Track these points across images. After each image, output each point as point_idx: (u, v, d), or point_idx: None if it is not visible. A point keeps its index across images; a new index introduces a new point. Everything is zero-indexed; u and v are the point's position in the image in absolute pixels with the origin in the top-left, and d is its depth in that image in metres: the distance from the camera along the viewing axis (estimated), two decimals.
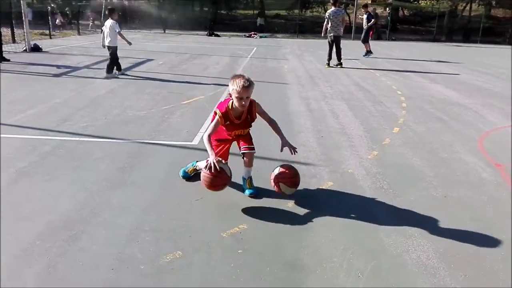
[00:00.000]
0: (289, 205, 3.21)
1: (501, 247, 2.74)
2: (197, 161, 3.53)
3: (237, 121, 3.19)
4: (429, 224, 3.00)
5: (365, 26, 14.21)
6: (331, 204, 3.29)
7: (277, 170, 3.17)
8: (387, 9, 31.46)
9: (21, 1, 13.32)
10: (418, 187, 3.64)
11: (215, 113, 3.19)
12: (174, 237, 2.72)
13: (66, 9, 25.77)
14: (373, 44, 16.13)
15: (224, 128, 3.24)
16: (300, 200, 3.27)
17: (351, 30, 24.94)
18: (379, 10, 30.48)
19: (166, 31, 26.89)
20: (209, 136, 3.10)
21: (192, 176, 3.55)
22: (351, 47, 16.38)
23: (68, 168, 3.81)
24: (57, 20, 23.53)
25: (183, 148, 4.46)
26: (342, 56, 11.31)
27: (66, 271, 2.33)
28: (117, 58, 8.84)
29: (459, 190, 3.60)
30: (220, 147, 3.27)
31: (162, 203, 3.20)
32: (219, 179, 3.00)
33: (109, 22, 8.67)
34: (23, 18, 13.12)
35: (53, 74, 8.93)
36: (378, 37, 25.44)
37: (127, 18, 29.47)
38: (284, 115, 5.95)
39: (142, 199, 3.23)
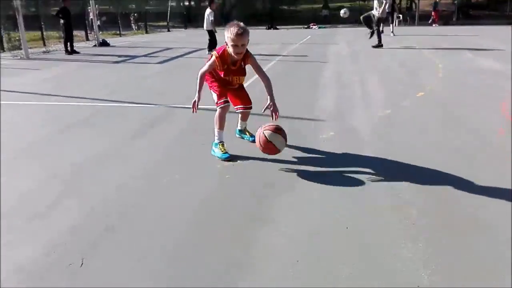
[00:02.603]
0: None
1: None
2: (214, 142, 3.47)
3: (233, 67, 3.27)
4: (404, 171, 3.15)
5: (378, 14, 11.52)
6: (323, 147, 3.55)
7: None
8: None
9: (91, 4, 14.81)
10: (413, 135, 3.75)
11: (212, 55, 3.25)
12: (177, 165, 3.18)
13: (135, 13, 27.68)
14: (440, 29, 15.50)
15: (222, 73, 3.27)
16: (295, 146, 3.57)
17: (415, 17, 24.06)
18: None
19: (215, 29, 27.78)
20: (202, 74, 3.20)
21: (232, 155, 3.34)
22: (411, 32, 15.91)
23: (104, 123, 4.46)
24: (132, 20, 25.56)
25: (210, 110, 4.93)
26: (382, 38, 11.48)
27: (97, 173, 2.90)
28: (215, 40, 10.17)
29: (455, 138, 3.66)
30: (222, 88, 3.33)
31: (173, 146, 3.69)
32: (269, 149, 3.06)
33: (208, 11, 10.34)
34: (94, 19, 14.68)
35: (113, 61, 9.96)
36: (446, 23, 24.30)
37: (191, 19, 31.02)
38: (311, 85, 6.20)
39: (156, 145, 3.74)
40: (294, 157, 3.31)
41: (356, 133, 3.90)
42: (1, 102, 5.50)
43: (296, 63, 9.07)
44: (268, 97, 3.16)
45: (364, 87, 5.96)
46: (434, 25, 23.93)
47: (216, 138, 3.37)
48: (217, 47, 3.55)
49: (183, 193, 2.73)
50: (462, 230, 2.22)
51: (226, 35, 3.09)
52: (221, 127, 3.33)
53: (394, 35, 15.18)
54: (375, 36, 11.29)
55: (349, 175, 2.98)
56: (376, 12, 10.94)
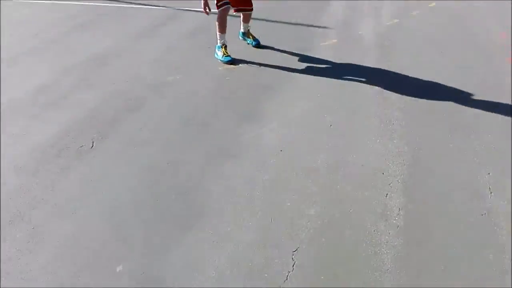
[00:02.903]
0: (280, 55, 3.65)
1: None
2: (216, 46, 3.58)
3: None
4: (397, 80, 3.28)
5: None
6: (323, 54, 3.66)
7: None
8: None
9: None
10: (418, 46, 3.81)
11: None
12: (181, 67, 3.37)
13: None
14: None
15: None
16: (295, 53, 3.69)
17: None
18: None
19: None
20: None
21: (233, 59, 3.47)
22: None
23: (114, 23, 4.58)
24: None
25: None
26: None
27: (96, 81, 3.15)
28: None
29: (459, 51, 3.71)
30: None
31: (180, 45, 3.84)
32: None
33: None
34: None
35: None
36: None
37: None
38: None
39: (163, 44, 3.89)
40: (292, 62, 3.45)
41: (359, 41, 3.96)
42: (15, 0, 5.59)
43: None
44: None
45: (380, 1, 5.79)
46: None
47: (218, 41, 3.47)
48: None
49: (183, 91, 2.97)
50: (440, 135, 2.44)
51: None
52: (223, 30, 3.41)
53: None
54: None
55: (340, 79, 3.14)
56: None
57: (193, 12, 4.98)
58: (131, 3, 5.50)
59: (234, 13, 3.58)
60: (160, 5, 5.38)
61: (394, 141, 2.33)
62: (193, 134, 2.42)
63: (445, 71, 3.25)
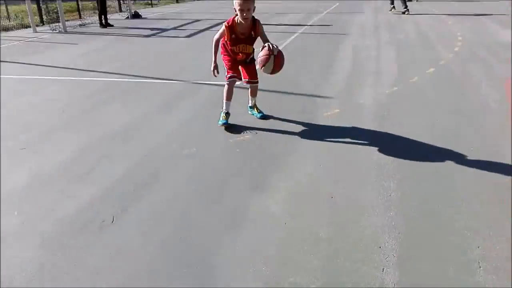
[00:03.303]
0: (286, 126, 3.94)
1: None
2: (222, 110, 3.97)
3: (242, 36, 3.65)
4: (396, 147, 3.50)
5: None
6: (327, 124, 3.94)
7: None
8: None
9: None
10: (416, 114, 4.06)
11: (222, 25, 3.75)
12: (196, 140, 3.67)
13: None
14: None
15: (230, 44, 3.69)
16: (299, 123, 3.98)
17: None
18: None
19: None
20: (216, 41, 3.74)
21: (230, 124, 3.90)
22: None
23: (134, 98, 4.99)
24: None
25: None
26: (407, 4, 12.15)
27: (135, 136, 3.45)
28: None
29: (454, 118, 3.95)
30: (231, 63, 3.80)
31: (195, 119, 4.17)
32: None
33: None
34: None
35: (144, 35, 10.45)
36: None
37: None
38: (327, 61, 6.48)
39: (180, 118, 4.24)
40: (297, 133, 3.73)
41: (360, 111, 4.24)
42: (43, 77, 6.15)
43: (317, 36, 9.25)
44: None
45: (378, 63, 6.19)
46: None
47: (223, 107, 3.93)
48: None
49: (197, 165, 3.23)
50: (435, 209, 2.61)
51: (234, 1, 3.50)
52: (228, 98, 3.86)
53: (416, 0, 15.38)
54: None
55: (341, 150, 3.38)
56: None
57: (209, 86, 5.39)
58: (150, 78, 5.98)
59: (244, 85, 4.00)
60: (178, 79, 5.84)
61: (391, 213, 2.50)
62: (206, 207, 2.63)
63: (443, 140, 3.46)
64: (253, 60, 3.89)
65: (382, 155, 3.24)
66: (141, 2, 22.14)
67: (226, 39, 3.75)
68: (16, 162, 3.38)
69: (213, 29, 11.12)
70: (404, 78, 5.31)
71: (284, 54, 3.55)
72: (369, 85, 5.08)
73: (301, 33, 9.66)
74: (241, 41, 3.72)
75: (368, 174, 2.96)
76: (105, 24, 12.40)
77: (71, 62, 7.27)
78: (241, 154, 3.37)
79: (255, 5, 3.55)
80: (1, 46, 9.52)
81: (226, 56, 3.87)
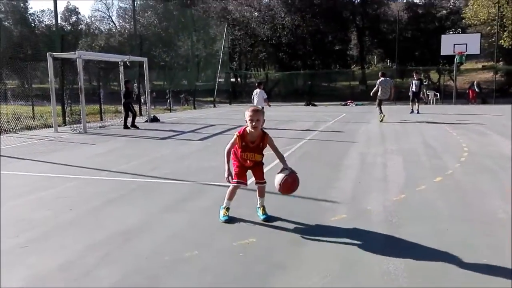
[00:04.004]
0: (292, 230, 3.89)
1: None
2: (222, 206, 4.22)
3: (251, 145, 3.94)
4: (413, 253, 3.40)
5: (414, 89, 17.22)
6: (333, 230, 3.87)
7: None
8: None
9: (146, 85, 16.45)
10: (425, 222, 3.99)
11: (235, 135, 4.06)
12: (199, 242, 3.61)
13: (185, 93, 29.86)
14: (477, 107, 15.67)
15: (240, 150, 3.97)
16: (306, 226, 3.93)
17: (452, 95, 24.37)
18: (488, 75, 29.37)
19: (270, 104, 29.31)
20: (228, 151, 4.01)
21: (231, 218, 4.11)
22: (445, 110, 16.14)
23: (142, 198, 5.05)
24: (182, 99, 27.86)
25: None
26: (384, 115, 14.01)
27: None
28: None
29: (464, 227, 3.86)
30: (239, 168, 4.05)
31: (200, 221, 4.15)
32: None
33: (257, 91, 12.89)
34: (147, 97, 16.25)
35: (160, 137, 10.93)
36: (483, 101, 24.49)
37: (236, 95, 33.18)
38: (334, 166, 6.60)
39: (186, 219, 4.23)
40: (303, 237, 3.65)
41: (368, 217, 4.19)
42: (56, 175, 6.33)
43: (325, 142, 9.56)
44: (282, 164, 4.00)
45: (385, 170, 6.27)
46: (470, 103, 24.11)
47: (224, 203, 4.15)
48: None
49: (199, 267, 3.13)
50: None
51: (246, 113, 3.89)
52: (230, 197, 4.14)
53: (418, 112, 16.51)
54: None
55: (349, 257, 3.26)
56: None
57: (217, 187, 5.46)
58: (160, 178, 6.11)
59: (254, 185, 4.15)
60: (188, 179, 5.95)
61: None
62: None
63: (454, 248, 3.34)
64: (261, 163, 4.12)
65: (392, 265, 3.11)
66: (161, 108, 23.64)
67: (237, 147, 4.03)
68: (15, 261, 3.32)
69: (225, 133, 11.64)
70: (411, 185, 5.33)
71: (294, 173, 3.96)
72: (376, 192, 5.08)
73: (309, 139, 10.01)
74: (250, 150, 4.00)
75: (379, 286, 2.82)
76: (132, 125, 13.30)
77: (86, 162, 7.53)
78: (244, 259, 3.27)
79: (265, 118, 3.98)
80: (21, 144, 9.99)
81: (235, 162, 4.11)
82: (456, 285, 2.81)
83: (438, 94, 25.90)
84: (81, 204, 4.83)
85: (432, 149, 8.13)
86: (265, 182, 4.11)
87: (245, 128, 3.98)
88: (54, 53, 13.07)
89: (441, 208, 4.43)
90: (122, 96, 13.74)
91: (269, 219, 4.08)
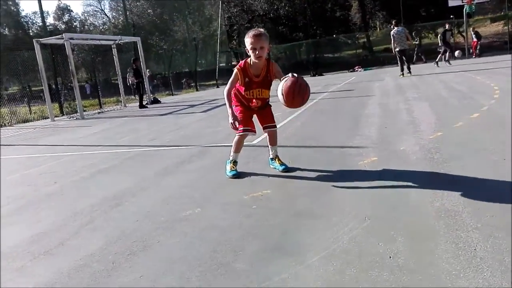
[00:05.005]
0: (315, 178, 3.19)
1: None
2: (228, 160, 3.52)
3: (256, 79, 3.17)
4: (465, 184, 2.68)
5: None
6: (363, 173, 3.17)
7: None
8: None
9: (143, 66, 15.71)
10: (474, 155, 3.26)
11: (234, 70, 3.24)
12: (202, 200, 2.94)
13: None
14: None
15: (243, 89, 3.21)
16: (331, 172, 3.23)
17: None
18: (498, 27, 28.03)
19: None
20: (229, 91, 3.18)
21: (240, 173, 3.40)
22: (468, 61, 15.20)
23: (138, 166, 4.38)
24: (184, 84, 27.10)
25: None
26: (411, 67, 13.12)
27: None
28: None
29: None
30: (244, 114, 3.27)
31: (203, 179, 3.48)
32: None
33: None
34: (146, 81, 15.57)
35: (160, 114, 10.25)
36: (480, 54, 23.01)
37: None
38: (354, 117, 5.86)
39: (186, 180, 3.55)
40: (329, 185, 2.96)
41: (404, 157, 3.48)
42: (46, 154, 5.70)
43: (339, 100, 8.79)
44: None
45: (411, 114, 5.51)
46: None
47: (230, 157, 3.43)
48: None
49: (201, 227, 2.46)
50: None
51: (246, 41, 3.07)
52: (237, 149, 3.43)
53: (437, 65, 15.36)
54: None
55: (390, 199, 2.57)
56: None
57: (220, 147, 4.79)
58: (158, 146, 5.44)
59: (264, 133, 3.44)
60: (189, 144, 5.29)
61: (484, 274, 1.63)
62: (207, 280, 1.82)
63: None
64: (268, 104, 3.38)
65: (447, 201, 2.41)
66: (162, 93, 22.86)
67: (238, 85, 3.24)
68: None
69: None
70: (446, 124, 4.57)
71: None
72: (406, 134, 4.34)
73: (320, 99, 9.23)
74: (256, 85, 3.21)
75: (434, 225, 2.12)
76: (139, 107, 12.84)
77: (79, 141, 6.90)
78: (258, 212, 2.59)
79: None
80: (14, 134, 9.42)
81: (238, 107, 3.31)
82: None
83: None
84: (67, 177, 4.18)
85: (459, 92, 7.31)
86: (276, 126, 3.39)
87: (246, 60, 3.20)
88: (41, 39, 12.35)
89: (488, 140, 3.68)
90: (132, 75, 13.44)
91: (289, 170, 3.37)
